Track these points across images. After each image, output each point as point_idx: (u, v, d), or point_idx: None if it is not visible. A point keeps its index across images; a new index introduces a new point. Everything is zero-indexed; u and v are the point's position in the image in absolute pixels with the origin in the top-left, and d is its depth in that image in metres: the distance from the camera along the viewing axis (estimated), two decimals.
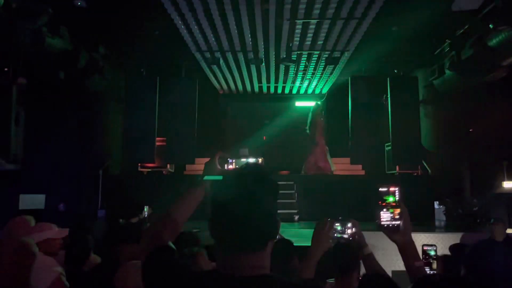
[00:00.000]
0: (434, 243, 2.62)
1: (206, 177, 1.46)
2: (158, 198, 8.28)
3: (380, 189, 1.58)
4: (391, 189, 1.57)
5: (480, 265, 1.85)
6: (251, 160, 1.57)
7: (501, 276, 1.88)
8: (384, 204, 1.56)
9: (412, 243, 1.54)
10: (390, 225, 1.54)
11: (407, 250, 1.54)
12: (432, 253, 2.41)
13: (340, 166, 11.86)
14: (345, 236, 1.93)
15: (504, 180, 9.25)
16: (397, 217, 1.54)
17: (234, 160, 1.57)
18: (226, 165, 1.53)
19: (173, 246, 1.31)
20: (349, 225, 1.95)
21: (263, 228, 1.12)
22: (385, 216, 1.55)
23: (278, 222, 1.16)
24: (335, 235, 1.92)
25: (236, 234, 1.10)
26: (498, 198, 9.09)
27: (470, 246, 2.09)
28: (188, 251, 2.19)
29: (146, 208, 5.94)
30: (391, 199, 1.56)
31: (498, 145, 9.00)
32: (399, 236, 1.54)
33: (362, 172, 11.58)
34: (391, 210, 1.55)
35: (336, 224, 1.93)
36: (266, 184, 1.15)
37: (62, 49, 7.57)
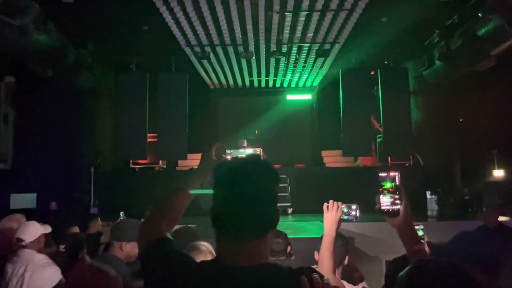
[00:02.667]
0: (426, 233, 2.65)
1: (193, 191, 1.41)
2: (151, 195, 8.31)
3: (380, 174, 1.58)
4: (391, 174, 1.57)
5: (467, 251, 1.85)
6: (249, 150, 1.55)
7: (489, 262, 1.87)
8: (381, 190, 1.56)
9: (412, 227, 1.55)
10: (390, 210, 1.54)
11: (406, 234, 1.53)
12: (420, 233, 2.45)
13: (332, 158, 11.91)
14: (350, 218, 2.06)
15: (494, 169, 9.36)
16: (397, 201, 1.54)
17: (231, 151, 1.55)
18: (223, 156, 1.51)
19: (171, 237, 1.30)
20: (354, 207, 2.07)
21: (265, 215, 1.12)
22: (385, 201, 1.55)
23: (278, 211, 1.16)
24: (342, 216, 2.06)
25: (238, 221, 1.10)
26: (488, 187, 9.19)
27: (467, 233, 2.07)
28: (193, 246, 2.16)
29: (121, 214, 5.92)
30: (388, 184, 1.56)
31: (488, 134, 9.09)
32: (398, 221, 1.54)
33: (354, 164, 11.64)
34: (388, 195, 1.54)
35: (342, 206, 2.06)
36: (268, 173, 1.16)
37: (50, 46, 7.46)
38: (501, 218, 6.37)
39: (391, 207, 1.54)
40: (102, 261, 2.27)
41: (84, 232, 4.68)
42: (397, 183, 1.56)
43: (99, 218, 5.14)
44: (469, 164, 10.11)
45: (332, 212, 2.06)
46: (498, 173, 9.21)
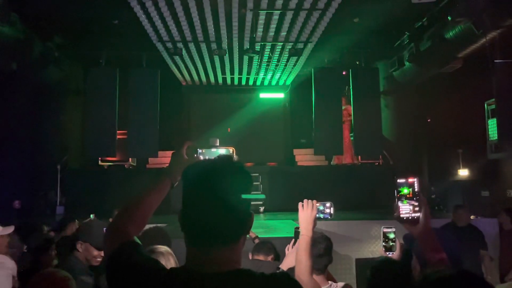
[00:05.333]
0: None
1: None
2: (120, 193, 8.12)
3: (398, 180, 1.53)
4: (410, 180, 1.52)
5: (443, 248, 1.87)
6: (222, 150, 1.51)
7: (461, 260, 1.91)
8: (398, 195, 1.51)
9: (432, 235, 1.50)
10: (410, 218, 1.50)
11: (427, 242, 1.49)
12: (392, 236, 2.44)
13: (304, 156, 11.99)
14: (326, 216, 2.06)
15: (459, 168, 9.62)
16: (416, 209, 1.49)
17: (203, 150, 1.49)
18: (195, 155, 1.45)
19: (138, 241, 1.23)
20: (328, 205, 2.07)
21: (237, 221, 1.07)
22: (404, 208, 1.50)
23: (251, 215, 1.11)
24: (317, 214, 2.04)
25: (209, 227, 1.05)
26: (454, 186, 9.45)
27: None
28: (151, 250, 2.08)
29: (91, 216, 5.75)
30: (405, 190, 1.51)
31: (454, 134, 9.35)
32: (419, 229, 1.49)
33: (326, 163, 11.76)
34: (405, 202, 1.50)
35: (317, 204, 2.05)
36: (240, 175, 1.11)
37: (13, 38, 7.17)
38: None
39: (411, 214, 1.50)
40: (65, 266, 2.20)
41: (59, 233, 4.51)
42: (416, 189, 1.51)
43: (76, 221, 4.94)
44: (435, 163, 10.39)
45: (307, 211, 2.03)
46: (463, 172, 9.48)
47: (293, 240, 2.46)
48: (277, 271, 1.01)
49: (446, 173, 9.72)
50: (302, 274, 1.98)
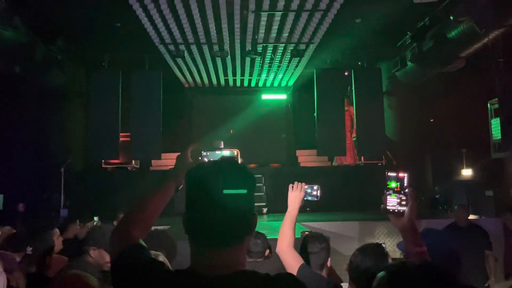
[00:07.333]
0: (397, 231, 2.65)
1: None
2: (123, 195, 8.15)
3: (389, 173, 1.57)
4: (400, 174, 1.55)
5: (441, 249, 1.89)
6: (226, 152, 1.53)
7: (462, 260, 1.92)
8: (387, 189, 1.55)
9: (415, 229, 1.53)
10: (396, 210, 1.53)
11: (409, 236, 1.52)
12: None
13: (307, 157, 11.99)
14: (313, 198, 2.28)
15: (463, 168, 9.60)
16: (403, 203, 1.52)
17: (208, 153, 1.50)
18: (199, 158, 1.46)
19: (144, 244, 1.24)
20: (315, 187, 2.29)
21: (242, 222, 1.08)
22: (391, 201, 1.54)
23: (255, 216, 1.12)
24: (305, 197, 2.28)
25: (213, 229, 1.05)
26: (457, 186, 9.42)
27: (432, 231, 2.13)
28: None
29: (95, 218, 5.75)
30: (393, 184, 1.54)
31: (457, 134, 9.32)
32: (402, 222, 1.52)
33: (329, 163, 11.75)
34: (393, 195, 1.53)
35: (305, 187, 2.30)
36: (244, 176, 1.11)
37: (16, 42, 7.20)
38: (472, 217, 6.55)
39: (396, 207, 1.53)
40: (79, 268, 2.20)
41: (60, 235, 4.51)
42: (405, 184, 1.54)
43: (78, 221, 4.93)
44: (439, 163, 10.36)
45: (296, 192, 2.29)
46: (467, 172, 9.45)
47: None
48: (283, 272, 1.02)
49: (449, 173, 9.70)
50: (286, 246, 2.22)
